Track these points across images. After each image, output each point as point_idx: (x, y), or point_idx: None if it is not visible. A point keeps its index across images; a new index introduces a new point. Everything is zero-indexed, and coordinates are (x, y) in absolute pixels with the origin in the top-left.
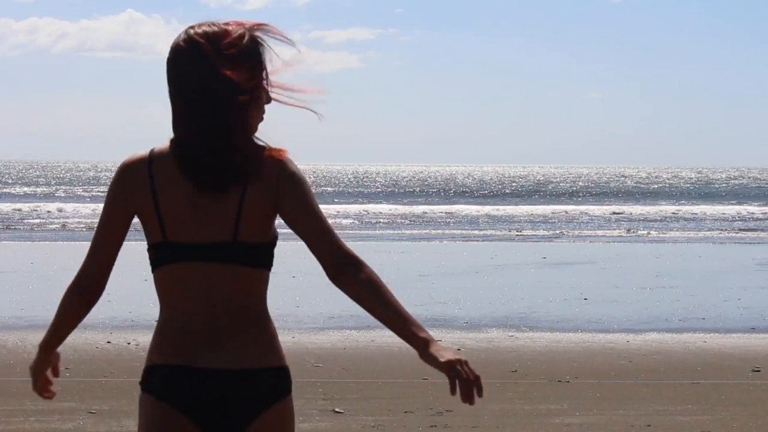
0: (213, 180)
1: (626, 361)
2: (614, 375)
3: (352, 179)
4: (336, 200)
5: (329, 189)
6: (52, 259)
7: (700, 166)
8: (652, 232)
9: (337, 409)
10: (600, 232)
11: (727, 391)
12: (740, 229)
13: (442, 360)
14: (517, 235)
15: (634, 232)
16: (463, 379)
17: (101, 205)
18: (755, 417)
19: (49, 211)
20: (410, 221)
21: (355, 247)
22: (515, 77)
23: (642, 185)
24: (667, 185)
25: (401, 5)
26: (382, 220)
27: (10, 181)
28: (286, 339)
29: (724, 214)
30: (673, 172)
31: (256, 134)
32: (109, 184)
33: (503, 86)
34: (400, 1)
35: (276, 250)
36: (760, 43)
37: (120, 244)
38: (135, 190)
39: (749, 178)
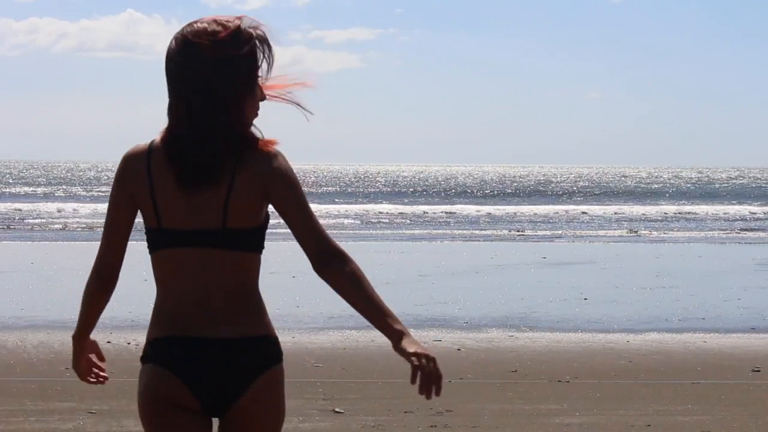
0: (197, 176)
1: (626, 361)
2: (614, 375)
3: (352, 179)
4: (336, 200)
5: (330, 189)
6: (52, 259)
7: (700, 166)
8: (652, 232)
9: (337, 409)
10: (600, 232)
11: (727, 391)
12: (741, 229)
13: (410, 350)
14: (517, 235)
15: (635, 232)
16: (426, 373)
17: (101, 205)
18: (755, 417)
19: (49, 212)
20: (410, 221)
21: (355, 246)
22: (515, 77)
23: (643, 185)
24: (668, 185)
25: (401, 5)
26: (382, 220)
27: (10, 181)
28: (286, 339)
29: (726, 213)
30: (674, 171)
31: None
32: (114, 174)
33: (503, 86)
34: (400, 1)
35: (276, 251)
36: (760, 43)
37: (128, 230)
38: (135, 179)
39: (749, 177)
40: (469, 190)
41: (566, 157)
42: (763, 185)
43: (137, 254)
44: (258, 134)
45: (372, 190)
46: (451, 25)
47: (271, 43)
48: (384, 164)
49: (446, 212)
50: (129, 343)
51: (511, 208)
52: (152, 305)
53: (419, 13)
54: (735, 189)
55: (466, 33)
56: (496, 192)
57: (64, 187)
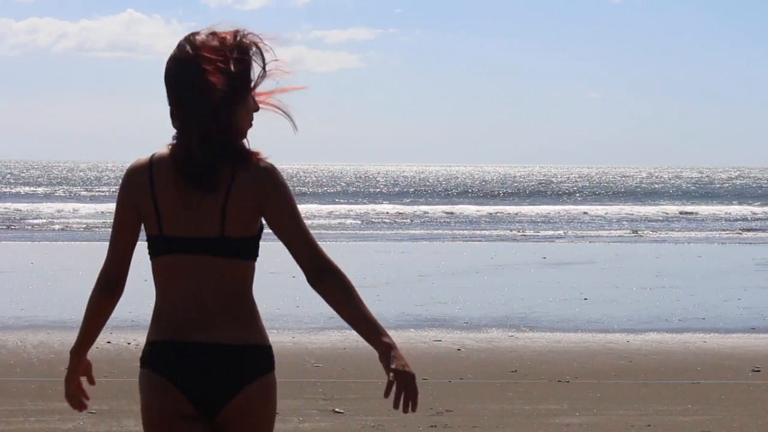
0: (202, 178)
1: (626, 361)
2: (614, 375)
3: (353, 179)
4: (337, 200)
5: (330, 189)
6: (52, 259)
7: (701, 166)
8: (653, 232)
9: (337, 409)
10: (600, 233)
11: (727, 391)
12: (742, 229)
13: (391, 365)
14: (517, 235)
15: (636, 232)
16: (400, 389)
17: (101, 205)
18: (755, 417)
19: (49, 212)
20: (411, 221)
21: (356, 247)
22: (515, 77)
23: (643, 185)
24: (668, 185)
25: (401, 5)
26: (382, 220)
27: (12, 181)
28: (286, 339)
29: (728, 213)
30: (674, 171)
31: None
32: (118, 188)
33: (503, 86)
34: (400, 1)
35: (276, 251)
36: (760, 43)
37: (134, 242)
38: (138, 192)
39: (750, 177)
40: (469, 190)
41: (566, 157)
42: (764, 185)
43: (137, 254)
44: (248, 146)
45: (372, 190)
46: (451, 25)
47: (269, 50)
48: (384, 164)
49: (446, 212)
50: (129, 343)
51: (511, 208)
52: (152, 305)
53: (419, 13)
54: (736, 189)
55: (466, 33)
56: (496, 192)
57: (64, 187)
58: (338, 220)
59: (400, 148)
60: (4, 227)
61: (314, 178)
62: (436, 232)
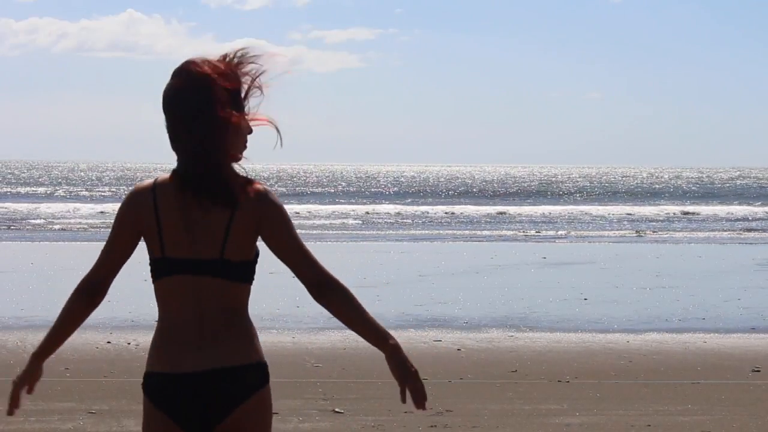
0: (205, 195)
1: (626, 361)
2: (614, 375)
3: (353, 179)
4: (337, 200)
5: (330, 189)
6: (52, 260)
7: (701, 166)
8: (654, 232)
9: (337, 409)
10: (601, 233)
11: (727, 391)
12: (743, 229)
13: (398, 372)
14: (518, 235)
15: (638, 232)
16: (412, 392)
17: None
18: (755, 417)
19: (49, 212)
20: (411, 221)
21: (356, 247)
22: (515, 77)
23: (644, 185)
24: (670, 185)
25: (401, 5)
26: (383, 220)
27: (13, 181)
28: (285, 339)
29: (730, 213)
30: (674, 172)
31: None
32: (120, 205)
33: (503, 86)
34: (400, 1)
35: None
36: (760, 43)
37: (125, 259)
38: (141, 213)
39: (751, 177)
40: (469, 191)
41: (566, 157)
42: (765, 185)
43: (137, 253)
44: (244, 171)
45: (373, 190)
46: (451, 25)
47: (257, 69)
48: (384, 164)
49: (446, 212)
50: (129, 343)
51: (510, 208)
52: (152, 305)
53: (419, 13)
54: (737, 189)
55: (466, 33)
56: (496, 192)
57: (64, 187)
58: (339, 221)
59: (400, 148)
60: (4, 227)
61: (314, 179)
62: (436, 232)
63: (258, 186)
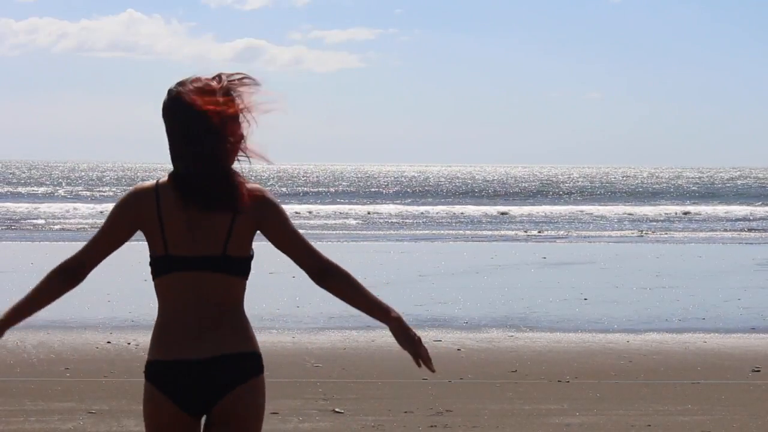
0: (208, 202)
1: (626, 361)
2: (614, 375)
3: (353, 179)
4: (338, 201)
5: (331, 189)
6: (52, 260)
7: (701, 166)
8: (654, 232)
9: (337, 409)
10: (601, 233)
11: (727, 391)
12: (749, 229)
13: (405, 345)
14: (518, 235)
15: (640, 232)
16: (423, 358)
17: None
18: (755, 417)
19: (49, 212)
20: (411, 221)
21: (356, 247)
22: (515, 77)
23: (645, 185)
24: (670, 185)
25: (401, 5)
26: (383, 221)
27: (13, 181)
28: (286, 339)
29: (734, 214)
30: (675, 172)
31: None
32: (119, 200)
33: (503, 86)
34: (400, 1)
35: (276, 252)
36: (760, 43)
37: (111, 251)
38: (144, 211)
39: (752, 178)
40: (469, 191)
41: (566, 157)
42: (765, 185)
43: (137, 253)
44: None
45: (373, 190)
46: (451, 25)
47: (249, 89)
48: (384, 164)
49: (446, 212)
50: (129, 343)
51: (510, 208)
52: (152, 305)
53: (419, 13)
54: (738, 189)
55: (466, 33)
56: (496, 192)
57: (64, 187)
58: (339, 221)
59: (400, 148)
60: (4, 227)
61: (314, 179)
62: (436, 232)
63: (255, 187)
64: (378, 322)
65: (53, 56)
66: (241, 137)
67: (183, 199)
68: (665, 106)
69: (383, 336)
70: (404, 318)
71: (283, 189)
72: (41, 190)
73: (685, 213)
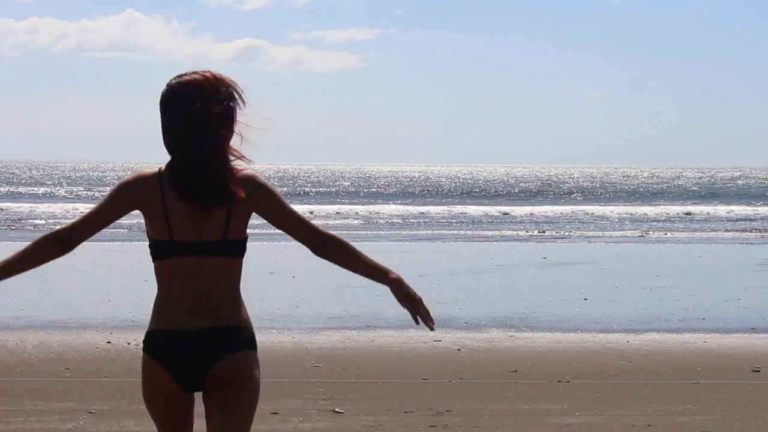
0: (205, 202)
1: (626, 361)
2: (614, 375)
3: (354, 179)
4: (338, 200)
5: (331, 189)
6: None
7: (701, 166)
8: (655, 232)
9: (337, 409)
10: (601, 233)
11: (727, 391)
12: (746, 230)
13: (405, 304)
14: (518, 235)
15: (642, 232)
16: (422, 315)
17: None
18: (755, 417)
19: (49, 212)
20: (411, 221)
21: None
22: (515, 77)
23: (646, 185)
24: (672, 186)
25: (401, 5)
26: (383, 221)
27: (14, 181)
28: (286, 339)
29: (735, 214)
30: (675, 172)
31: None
32: (120, 182)
33: (503, 86)
34: (400, 1)
35: (276, 252)
36: (760, 43)
37: (104, 226)
38: (147, 195)
39: (752, 178)
40: (470, 191)
41: (566, 157)
42: (766, 185)
43: (137, 253)
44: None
45: (373, 190)
46: (451, 25)
47: (240, 91)
48: (384, 164)
49: (447, 212)
50: (129, 343)
51: (511, 208)
52: (151, 306)
53: (419, 13)
54: (738, 189)
55: (466, 33)
56: (497, 192)
57: (65, 187)
58: (340, 221)
59: (400, 148)
60: (4, 227)
61: (315, 179)
62: (436, 232)
63: (245, 175)
64: (378, 322)
65: (53, 56)
66: (232, 132)
67: (182, 199)
68: (665, 106)
69: (383, 336)
70: (404, 279)
71: (284, 189)
72: (42, 190)
73: (687, 213)
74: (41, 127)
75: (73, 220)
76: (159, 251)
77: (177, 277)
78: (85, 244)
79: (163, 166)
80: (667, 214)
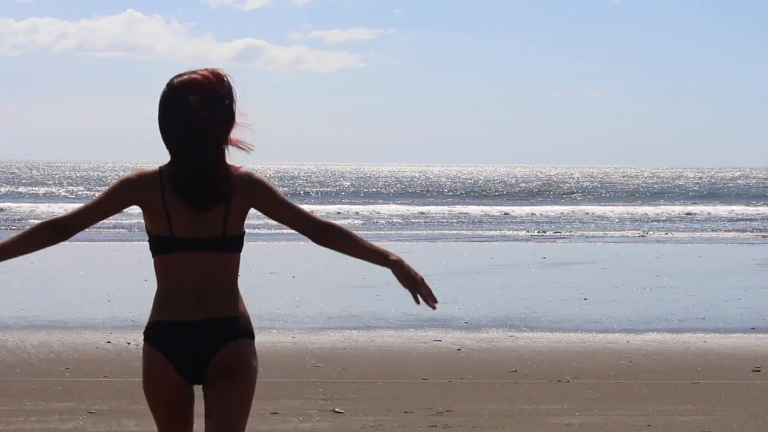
0: (205, 202)
1: (626, 361)
2: (614, 375)
3: (354, 179)
4: (338, 200)
5: (331, 189)
6: (52, 260)
7: (701, 166)
8: (655, 232)
9: (337, 409)
10: (601, 233)
11: (727, 391)
12: (746, 230)
13: (407, 283)
14: (518, 235)
15: (642, 232)
16: (423, 294)
17: None
18: (755, 417)
19: (49, 212)
20: (411, 221)
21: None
22: (515, 77)
23: (647, 185)
24: (672, 186)
25: (401, 5)
26: (384, 220)
27: (15, 181)
28: (285, 339)
29: (736, 214)
30: (675, 172)
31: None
32: (122, 177)
33: (503, 86)
34: (400, 1)
35: (276, 252)
36: (760, 43)
37: (102, 218)
38: (148, 191)
39: (753, 178)
40: (470, 191)
41: (566, 157)
42: (766, 185)
43: (137, 253)
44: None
45: (373, 190)
46: (451, 25)
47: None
48: (384, 164)
49: (447, 212)
50: (129, 343)
51: (511, 208)
52: (151, 306)
53: (419, 13)
54: (739, 189)
55: (466, 33)
56: (497, 192)
57: (65, 187)
58: (340, 221)
59: (400, 148)
60: (4, 227)
61: (315, 179)
62: (436, 232)
63: (242, 171)
64: (378, 322)
65: (53, 56)
66: (229, 131)
67: (182, 200)
68: (665, 106)
69: (383, 336)
70: (405, 260)
71: (284, 189)
72: (42, 190)
73: (687, 213)
74: (41, 127)
75: (72, 210)
76: (159, 247)
77: (177, 272)
78: (85, 244)
79: (164, 164)
80: (668, 214)
